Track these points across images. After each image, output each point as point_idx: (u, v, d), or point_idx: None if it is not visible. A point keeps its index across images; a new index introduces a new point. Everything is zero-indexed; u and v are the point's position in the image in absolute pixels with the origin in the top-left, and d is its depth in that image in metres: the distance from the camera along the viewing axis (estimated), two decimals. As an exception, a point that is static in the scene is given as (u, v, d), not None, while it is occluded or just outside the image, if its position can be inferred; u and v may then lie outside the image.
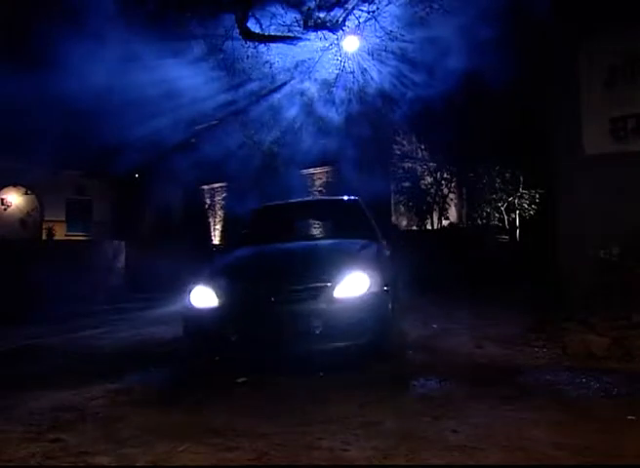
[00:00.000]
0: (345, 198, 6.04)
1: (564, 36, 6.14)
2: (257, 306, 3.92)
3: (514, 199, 13.56)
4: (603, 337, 4.45)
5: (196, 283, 4.27)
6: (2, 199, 16.84)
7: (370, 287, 3.94)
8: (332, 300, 3.86)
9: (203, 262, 5.15)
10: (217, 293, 4.06)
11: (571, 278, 5.76)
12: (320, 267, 4.10)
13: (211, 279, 4.26)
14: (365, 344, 3.90)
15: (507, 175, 13.30)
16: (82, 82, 7.73)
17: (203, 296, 4.13)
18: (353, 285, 3.94)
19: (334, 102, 11.12)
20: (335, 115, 11.28)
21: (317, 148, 12.67)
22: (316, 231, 5.72)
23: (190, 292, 4.21)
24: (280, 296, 3.90)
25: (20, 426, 3.15)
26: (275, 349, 3.94)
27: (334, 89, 10.94)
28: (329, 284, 3.89)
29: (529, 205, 13.41)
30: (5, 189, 16.83)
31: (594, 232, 5.55)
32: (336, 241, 4.98)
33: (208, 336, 4.06)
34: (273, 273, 4.22)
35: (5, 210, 16.91)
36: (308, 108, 11.08)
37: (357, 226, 5.25)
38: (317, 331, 3.77)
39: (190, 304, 4.18)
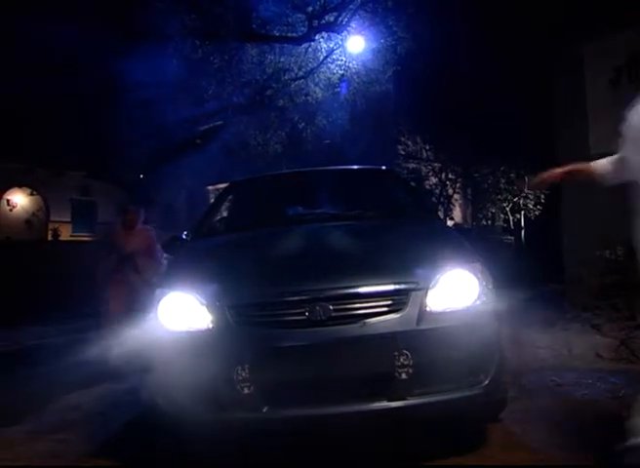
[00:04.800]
0: (383, 167, 4.40)
1: (570, 36, 6.13)
2: (284, 328, 2.28)
3: (519, 199, 13.53)
4: (609, 338, 4.43)
5: (167, 287, 2.56)
6: (8, 200, 16.88)
7: (480, 293, 2.39)
8: (425, 316, 2.26)
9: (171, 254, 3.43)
10: (208, 305, 2.36)
11: (576, 278, 5.74)
12: (389, 257, 2.52)
13: (193, 280, 2.51)
14: (482, 395, 2.30)
15: (512, 175, 13.28)
16: (85, 83, 7.75)
17: (182, 311, 2.42)
18: (455, 289, 2.37)
19: (338, 103, 11.12)
20: (339, 116, 11.27)
21: (321, 149, 12.67)
22: (345, 212, 3.50)
23: (159, 302, 2.49)
24: (323, 309, 2.25)
25: (27, 425, 3.17)
26: (322, 410, 2.23)
27: (338, 89, 10.94)
28: (415, 285, 2.31)
29: (534, 205, 13.38)
30: (10, 190, 16.89)
31: (599, 232, 5.52)
32: (389, 221, 3.35)
33: (197, 387, 2.25)
34: (304, 266, 2.51)
35: (10, 210, 16.96)
36: (312, 109, 11.08)
37: (407, 204, 3.74)
38: (403, 375, 2.18)
39: (159, 325, 2.45)
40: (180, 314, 2.41)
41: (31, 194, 17.20)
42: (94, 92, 8.19)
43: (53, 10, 7.00)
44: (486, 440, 2.55)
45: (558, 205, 6.67)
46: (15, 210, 17.03)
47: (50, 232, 16.72)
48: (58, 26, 6.74)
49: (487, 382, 2.29)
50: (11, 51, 7.54)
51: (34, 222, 17.13)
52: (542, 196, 12.97)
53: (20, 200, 17.20)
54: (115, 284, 5.08)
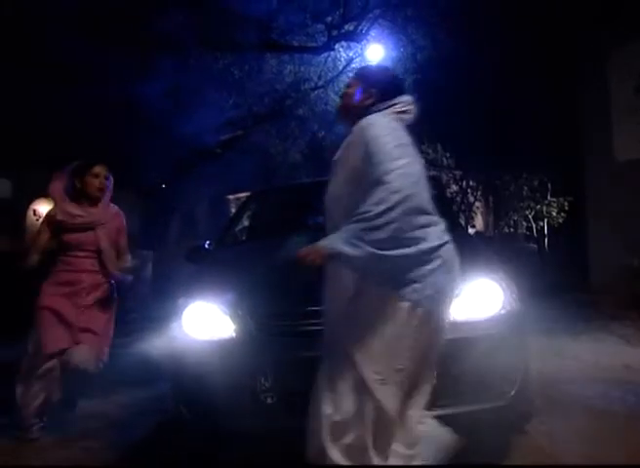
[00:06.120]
0: None
1: (594, 43, 6.06)
2: (307, 337, 2.22)
3: (542, 207, 13.33)
4: (638, 349, 4.33)
5: (190, 296, 2.56)
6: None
7: (504, 302, 2.33)
8: (449, 326, 2.06)
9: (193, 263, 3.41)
10: (231, 315, 2.36)
11: (603, 287, 5.63)
12: None
13: (215, 289, 2.51)
14: (508, 406, 2.26)
15: (535, 182, 13.10)
16: (107, 94, 7.88)
17: (205, 320, 2.42)
18: (479, 298, 2.32)
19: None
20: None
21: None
22: None
23: (182, 311, 2.49)
24: None
25: (51, 434, 3.20)
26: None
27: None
28: None
29: (557, 213, 13.17)
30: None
31: (626, 240, 5.42)
32: None
33: (219, 396, 2.23)
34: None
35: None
36: (332, 118, 11.11)
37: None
38: None
39: (183, 334, 2.44)
40: (204, 323, 2.42)
41: (57, 204, 17.56)
42: (116, 103, 8.32)
43: (74, 23, 7.14)
44: (511, 452, 2.50)
45: (583, 213, 6.57)
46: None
47: (73, 241, 17.02)
48: (78, 38, 6.88)
49: (513, 393, 2.24)
50: (29, 63, 7.68)
51: (59, 232, 17.47)
52: (566, 204, 12.78)
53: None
54: (53, 301, 3.11)
